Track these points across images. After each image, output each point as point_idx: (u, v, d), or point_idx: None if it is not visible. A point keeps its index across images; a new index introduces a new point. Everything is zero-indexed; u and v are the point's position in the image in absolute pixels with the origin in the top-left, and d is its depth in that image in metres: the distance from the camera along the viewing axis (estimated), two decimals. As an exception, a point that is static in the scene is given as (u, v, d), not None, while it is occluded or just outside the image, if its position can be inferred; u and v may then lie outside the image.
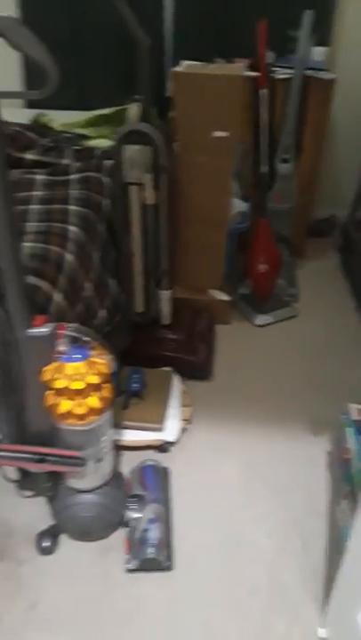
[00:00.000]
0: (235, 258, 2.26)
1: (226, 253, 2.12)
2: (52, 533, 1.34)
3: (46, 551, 1.32)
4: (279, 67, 2.21)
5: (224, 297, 2.17)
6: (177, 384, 1.77)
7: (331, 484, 1.55)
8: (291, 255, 2.50)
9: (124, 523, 1.35)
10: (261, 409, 1.80)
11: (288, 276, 2.43)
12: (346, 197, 2.71)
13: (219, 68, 2.06)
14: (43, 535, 1.33)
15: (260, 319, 2.23)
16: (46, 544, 1.32)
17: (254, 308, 2.26)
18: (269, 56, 2.13)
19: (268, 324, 2.23)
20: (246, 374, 1.96)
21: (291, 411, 1.79)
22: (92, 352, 1.17)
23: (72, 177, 1.80)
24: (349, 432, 1.48)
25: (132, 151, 1.55)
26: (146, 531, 1.32)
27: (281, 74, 2.18)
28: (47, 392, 1.15)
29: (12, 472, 1.34)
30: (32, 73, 2.49)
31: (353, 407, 1.54)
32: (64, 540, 1.36)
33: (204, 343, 1.96)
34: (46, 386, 1.13)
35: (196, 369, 1.88)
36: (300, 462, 1.61)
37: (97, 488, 1.29)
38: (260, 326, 2.22)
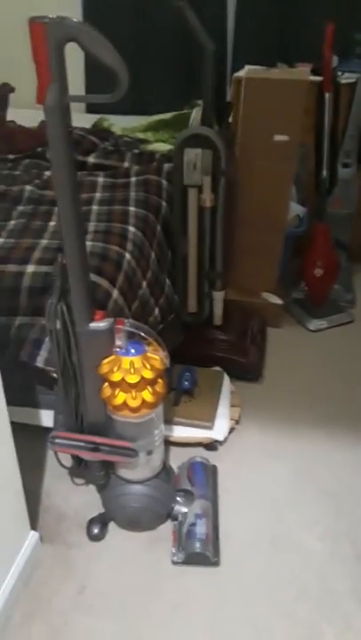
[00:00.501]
0: (290, 262, 2.25)
1: (281, 257, 2.11)
2: (102, 521, 1.39)
3: (96, 538, 1.37)
4: (344, 71, 2.19)
5: (277, 300, 2.16)
6: (227, 384, 1.79)
7: (383, 493, 1.52)
8: (349, 261, 2.46)
9: (172, 516, 1.38)
10: (313, 412, 1.78)
11: (345, 281, 2.39)
12: None
13: (283, 72, 2.07)
14: (93, 522, 1.38)
15: (314, 324, 2.20)
16: (96, 531, 1.37)
17: (308, 313, 2.24)
18: (334, 60, 2.12)
19: (323, 330, 2.20)
20: (297, 378, 1.94)
21: (343, 415, 1.77)
22: (148, 348, 1.21)
23: (132, 179, 1.86)
24: None
25: (192, 154, 1.58)
26: (193, 525, 1.34)
27: (345, 78, 2.16)
28: (104, 384, 1.19)
29: (67, 459, 1.40)
30: (92, 79, 2.56)
31: None
32: (113, 528, 1.40)
33: (255, 345, 1.96)
34: (103, 378, 1.18)
35: (247, 370, 1.89)
36: (353, 469, 1.58)
37: (147, 480, 1.32)
38: (313, 331, 2.19)
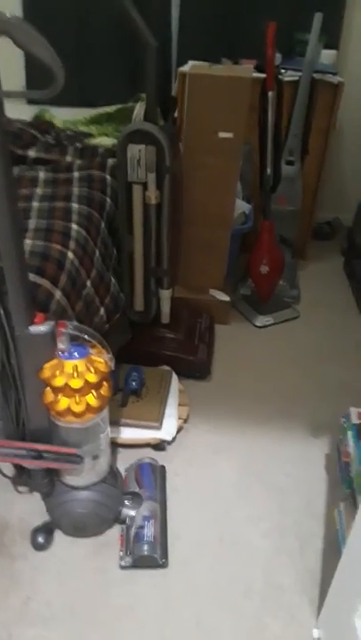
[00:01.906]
0: (237, 259, 2.26)
1: (228, 254, 2.12)
2: (47, 529, 1.35)
3: (41, 547, 1.33)
4: (286, 69, 2.21)
5: (224, 297, 2.17)
6: (175, 383, 1.78)
7: (329, 486, 1.55)
8: (293, 257, 2.51)
9: (119, 520, 1.36)
10: (260, 410, 1.80)
11: (290, 277, 2.43)
12: (350, 201, 2.71)
13: (227, 69, 2.07)
14: (37, 531, 1.34)
15: (261, 320, 2.23)
16: (41, 540, 1.33)
17: (255, 309, 2.26)
18: (277, 57, 2.13)
19: (269, 326, 2.23)
20: (245, 375, 1.96)
21: (290, 412, 1.80)
22: (92, 350, 1.18)
23: (75, 175, 1.80)
24: (349, 435, 1.48)
25: (135, 150, 1.55)
26: (141, 528, 1.33)
27: (288, 76, 2.18)
28: (46, 389, 1.15)
29: (9, 468, 1.35)
30: (33, 71, 2.48)
31: (353, 410, 1.54)
32: (59, 535, 1.37)
33: (204, 343, 1.96)
34: (45, 383, 1.14)
35: (195, 368, 1.89)
36: (299, 464, 1.62)
37: (93, 485, 1.30)
38: (260, 327, 2.22)
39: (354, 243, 2.53)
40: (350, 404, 1.55)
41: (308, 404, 1.84)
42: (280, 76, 2.12)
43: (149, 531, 1.33)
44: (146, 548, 1.30)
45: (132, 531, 1.33)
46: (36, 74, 2.47)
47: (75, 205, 1.62)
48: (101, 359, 1.18)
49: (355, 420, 1.51)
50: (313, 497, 1.52)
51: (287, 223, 2.37)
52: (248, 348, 2.11)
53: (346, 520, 1.34)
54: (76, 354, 1.15)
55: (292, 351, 2.10)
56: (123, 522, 1.36)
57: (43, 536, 1.33)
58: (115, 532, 1.37)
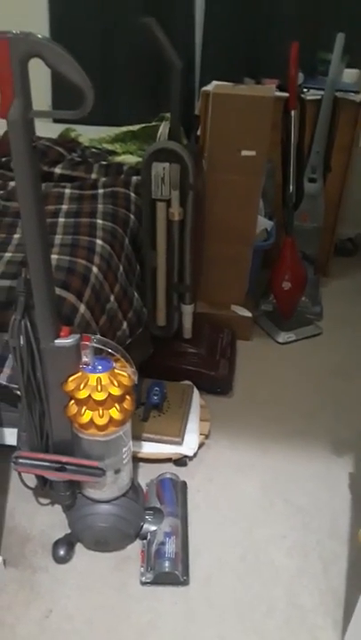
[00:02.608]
0: (259, 275, 2.27)
1: (250, 270, 2.13)
2: (68, 542, 1.35)
3: (62, 560, 1.33)
4: (309, 88, 2.23)
5: (246, 313, 2.17)
6: (196, 398, 1.78)
7: (353, 505, 1.52)
8: (315, 273, 2.50)
9: (140, 535, 1.35)
10: (281, 427, 1.79)
11: (312, 294, 2.42)
12: (373, 217, 2.70)
13: (250, 89, 2.09)
14: (58, 543, 1.35)
15: (283, 336, 2.22)
16: (62, 553, 1.33)
17: (277, 325, 2.26)
18: (299, 77, 2.16)
19: (291, 342, 2.22)
20: (267, 391, 1.95)
21: (312, 430, 1.78)
22: (115, 364, 1.19)
23: (100, 191, 1.84)
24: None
25: (159, 168, 1.58)
26: (162, 544, 1.32)
27: (311, 95, 2.20)
28: (70, 402, 1.17)
29: (31, 479, 1.36)
30: (59, 90, 2.54)
31: (375, 429, 1.52)
32: (80, 549, 1.37)
33: (225, 358, 1.96)
34: (69, 395, 1.15)
35: (216, 384, 1.89)
36: (322, 483, 1.59)
37: (114, 499, 1.30)
38: (282, 343, 2.21)
39: (377, 259, 2.51)
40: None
41: (330, 422, 1.81)
42: (303, 95, 2.14)
43: (171, 547, 1.32)
44: (167, 564, 1.29)
45: (154, 547, 1.32)
46: (62, 93, 2.53)
47: (99, 221, 1.65)
48: (125, 373, 1.19)
49: (379, 439, 1.49)
50: (336, 516, 1.49)
51: (309, 240, 2.37)
52: (270, 365, 2.10)
53: (370, 541, 1.32)
54: (100, 367, 1.16)
55: (315, 368, 2.09)
56: (144, 537, 1.36)
57: (64, 549, 1.33)
58: (136, 547, 1.36)
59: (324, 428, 1.79)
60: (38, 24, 2.49)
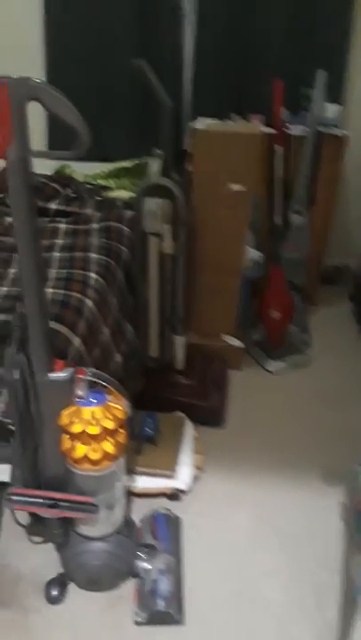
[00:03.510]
0: (248, 305, 2.29)
1: (239, 300, 2.15)
2: (61, 582, 1.32)
3: (55, 600, 1.30)
4: (293, 123, 2.31)
5: (237, 343, 2.19)
6: (189, 430, 1.77)
7: (344, 536, 1.52)
8: (303, 302, 2.53)
9: (134, 573, 1.33)
10: (274, 457, 1.78)
11: (300, 322, 2.45)
12: (357, 247, 2.76)
13: (236, 126, 2.16)
14: (51, 583, 1.31)
15: (273, 365, 2.24)
16: (55, 593, 1.30)
17: (267, 354, 2.27)
18: (284, 113, 2.24)
19: (281, 371, 2.23)
20: (259, 421, 1.95)
21: (304, 460, 1.78)
22: (109, 397, 1.19)
23: (94, 226, 1.86)
24: (363, 484, 1.46)
25: (152, 204, 1.61)
26: (156, 582, 1.30)
27: (295, 130, 2.28)
28: (63, 436, 1.16)
29: (23, 517, 1.33)
30: (54, 130, 2.59)
31: (367, 458, 1.53)
32: (73, 589, 1.33)
33: (217, 389, 1.97)
34: (63, 430, 1.15)
35: (209, 415, 1.89)
36: (314, 513, 1.59)
37: (108, 536, 1.28)
38: (272, 372, 2.22)
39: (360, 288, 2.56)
40: (365, 451, 1.54)
41: (322, 452, 1.82)
42: (287, 131, 2.22)
43: (165, 585, 1.30)
44: (161, 603, 1.27)
45: (148, 585, 1.30)
46: (57, 132, 2.58)
47: (94, 255, 1.67)
48: (118, 405, 1.19)
49: (370, 468, 1.49)
50: (329, 547, 1.48)
51: (296, 269, 2.40)
52: (261, 394, 2.11)
53: (365, 572, 1.31)
54: (94, 400, 1.16)
55: (305, 397, 2.10)
56: (137, 575, 1.33)
57: (57, 589, 1.30)
58: (129, 585, 1.34)
59: (314, 457, 1.79)
60: (34, 66, 2.55)
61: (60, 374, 1.13)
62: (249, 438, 1.86)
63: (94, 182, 2.35)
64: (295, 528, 1.53)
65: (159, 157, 1.77)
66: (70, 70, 2.56)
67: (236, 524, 1.54)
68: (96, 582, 1.31)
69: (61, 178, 2.28)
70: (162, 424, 1.73)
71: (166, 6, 2.43)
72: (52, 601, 1.30)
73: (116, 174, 2.39)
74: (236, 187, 1.88)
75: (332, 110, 2.45)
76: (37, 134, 2.54)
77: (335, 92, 2.49)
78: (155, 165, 1.83)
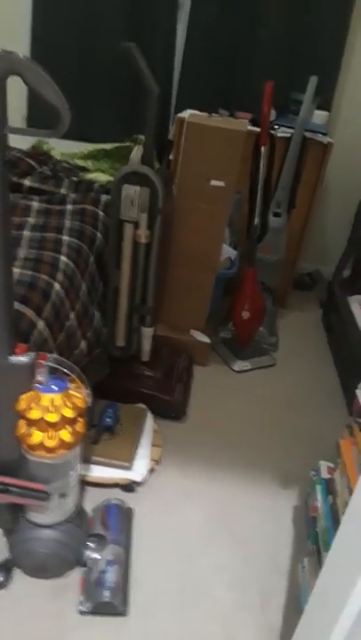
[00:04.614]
0: (219, 302, 2.29)
1: (211, 297, 2.15)
2: (7, 567, 1.30)
3: (-2, 585, 1.28)
4: (280, 125, 2.31)
5: (205, 339, 2.19)
6: (150, 423, 1.76)
7: (295, 540, 1.54)
8: (274, 305, 2.55)
9: (82, 562, 1.32)
10: (232, 456, 1.79)
11: (269, 324, 2.47)
12: (331, 254, 2.79)
13: (224, 121, 2.14)
14: (-4, 568, 1.29)
15: (239, 365, 2.25)
16: (0, 578, 1.28)
17: (234, 353, 2.28)
18: (272, 114, 2.23)
19: (246, 371, 2.25)
20: (220, 419, 1.96)
21: (261, 460, 1.79)
22: (70, 385, 1.17)
23: (68, 207, 1.83)
24: (318, 490, 1.48)
25: (130, 191, 1.58)
26: (103, 572, 1.29)
27: (281, 132, 2.28)
28: (20, 421, 1.13)
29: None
30: (35, 106, 2.53)
31: (323, 464, 1.54)
32: (19, 575, 1.31)
33: (181, 383, 1.96)
34: (20, 415, 1.12)
35: (171, 409, 1.88)
36: (266, 514, 1.60)
37: (58, 524, 1.26)
38: (237, 372, 2.23)
39: (333, 296, 2.60)
40: (321, 457, 1.55)
41: (279, 454, 1.84)
42: (273, 132, 2.22)
43: (112, 576, 1.29)
44: (107, 593, 1.26)
45: (94, 575, 1.29)
46: (37, 109, 2.52)
47: (65, 238, 1.63)
48: (79, 394, 1.17)
49: (324, 475, 1.51)
50: (278, 550, 1.50)
51: (270, 271, 2.42)
52: (224, 392, 2.11)
53: (309, 576, 1.33)
54: (54, 387, 1.14)
55: (268, 398, 2.12)
56: (85, 565, 1.32)
57: (2, 574, 1.28)
58: (76, 574, 1.32)
59: (272, 459, 1.81)
60: (19, 42, 2.48)
61: (20, 358, 1.10)
62: (208, 435, 1.87)
63: (72, 162, 2.30)
64: (247, 528, 1.55)
65: (141, 144, 1.74)
66: (57, 46, 2.50)
67: (188, 520, 1.55)
68: (42, 570, 1.29)
69: (38, 154, 2.22)
70: (122, 415, 1.72)
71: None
72: (-4, 586, 1.28)
73: (95, 156, 2.35)
74: (217, 182, 1.87)
75: (320, 117, 2.47)
76: (15, 109, 2.47)
77: (324, 99, 2.50)
78: (137, 152, 1.80)
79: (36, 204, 1.82)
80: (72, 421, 1.14)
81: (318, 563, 1.31)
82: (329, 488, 1.45)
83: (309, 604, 1.04)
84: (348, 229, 2.61)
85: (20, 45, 2.48)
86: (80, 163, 2.31)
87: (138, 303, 1.79)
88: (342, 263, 2.66)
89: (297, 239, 2.54)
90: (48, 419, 1.10)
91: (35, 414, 1.10)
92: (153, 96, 1.56)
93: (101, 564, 1.30)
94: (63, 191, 1.95)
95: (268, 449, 1.85)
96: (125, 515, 1.47)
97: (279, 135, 2.27)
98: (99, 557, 1.31)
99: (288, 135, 2.26)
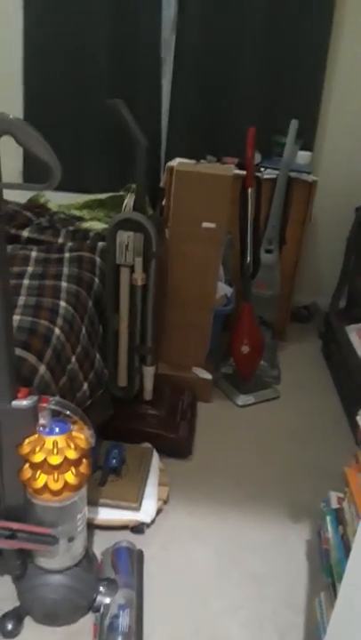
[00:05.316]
0: (219, 338, 2.33)
1: (211, 334, 2.19)
2: (17, 615, 1.28)
3: (9, 635, 1.26)
4: (265, 167, 2.41)
5: (207, 375, 2.21)
6: (156, 462, 1.77)
7: (309, 574, 1.51)
8: (273, 338, 2.59)
9: (93, 607, 1.30)
10: (240, 492, 1.78)
11: (270, 357, 2.49)
12: (326, 286, 2.85)
13: (210, 167, 2.25)
14: (6, 617, 1.27)
15: (242, 399, 2.26)
16: (10, 627, 1.26)
17: (237, 388, 2.30)
18: (256, 157, 2.34)
19: (250, 405, 2.26)
20: (226, 455, 1.96)
21: (270, 495, 1.78)
22: (73, 426, 1.19)
23: (66, 255, 1.89)
24: (328, 520, 1.46)
25: (124, 237, 1.65)
26: (116, 617, 1.27)
27: (267, 174, 2.38)
28: (24, 465, 1.15)
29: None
30: (31, 161, 2.65)
31: (333, 495, 1.53)
32: (29, 623, 1.29)
33: (185, 421, 1.97)
34: (24, 459, 1.14)
35: (176, 447, 1.89)
36: (279, 550, 1.58)
37: (67, 569, 1.25)
38: (241, 406, 2.24)
39: (330, 326, 2.63)
40: (330, 488, 1.54)
41: (287, 487, 1.83)
42: (259, 174, 2.31)
43: (124, 620, 1.27)
44: (120, 639, 1.24)
45: (107, 620, 1.27)
46: (33, 163, 2.64)
47: (64, 284, 1.69)
48: (82, 435, 1.19)
49: (334, 505, 1.50)
50: (293, 585, 1.48)
51: (267, 306, 2.47)
52: (229, 427, 2.12)
53: (326, 610, 1.30)
54: (57, 429, 1.16)
55: (273, 432, 2.12)
56: (97, 610, 1.30)
57: (12, 622, 1.26)
58: (88, 620, 1.30)
59: (280, 493, 1.80)
60: (13, 99, 2.62)
61: (22, 402, 1.13)
62: (215, 472, 1.86)
63: (68, 212, 2.39)
64: (259, 564, 1.53)
65: (134, 192, 1.82)
66: (50, 103, 2.64)
67: (198, 559, 1.53)
68: (53, 617, 1.28)
69: (35, 206, 2.32)
70: (128, 455, 1.73)
71: (145, 50, 2.56)
72: (7, 635, 1.25)
73: (90, 205, 2.44)
74: (208, 224, 1.94)
75: (303, 157, 2.58)
76: (12, 163, 2.59)
77: (306, 140, 2.62)
78: (129, 200, 1.88)
79: (34, 254, 1.89)
80: (76, 463, 1.16)
81: (334, 596, 1.29)
82: (339, 518, 1.43)
83: (327, 638, 1.02)
84: (340, 261, 2.68)
85: (14, 104, 2.62)
86: (76, 212, 2.41)
87: (138, 344, 1.83)
88: (337, 294, 2.71)
89: (291, 274, 2.60)
90: (52, 461, 1.12)
91: (38, 457, 1.12)
92: (141, 147, 1.65)
93: (113, 609, 1.28)
94: (61, 240, 2.03)
95: (275, 482, 1.84)
96: (135, 557, 1.46)
97: (266, 176, 2.36)
98: (110, 602, 1.30)
99: (274, 176, 2.36)
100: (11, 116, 0.93)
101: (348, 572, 1.01)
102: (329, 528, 1.45)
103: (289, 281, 2.60)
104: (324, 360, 2.65)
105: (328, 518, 1.48)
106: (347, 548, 1.30)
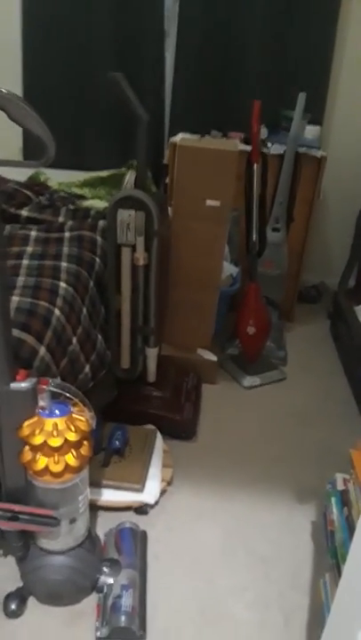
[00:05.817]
0: (224, 319, 2.30)
1: (216, 314, 2.16)
2: (20, 596, 1.28)
3: (13, 614, 1.26)
4: (272, 142, 2.35)
5: (212, 357, 2.19)
6: (159, 443, 1.75)
7: (315, 555, 1.51)
8: (280, 319, 2.55)
9: (96, 588, 1.30)
10: (245, 473, 1.77)
11: (277, 339, 2.46)
12: (335, 266, 2.79)
13: (215, 142, 2.19)
14: (10, 597, 1.28)
15: (248, 381, 2.24)
16: (13, 607, 1.26)
17: (243, 370, 2.27)
18: (263, 131, 2.27)
19: (256, 387, 2.23)
20: (231, 436, 1.94)
21: (276, 476, 1.77)
22: (73, 408, 1.17)
23: (66, 235, 1.86)
24: (334, 502, 1.45)
25: (125, 215, 1.61)
26: (119, 597, 1.27)
27: (274, 149, 2.31)
28: (24, 447, 1.14)
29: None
30: (31, 137, 2.60)
31: (339, 476, 1.51)
32: (33, 603, 1.30)
33: (190, 402, 1.96)
34: (24, 441, 1.13)
35: (180, 428, 1.87)
36: (284, 531, 1.57)
37: (69, 550, 1.25)
38: (247, 388, 2.22)
39: (339, 307, 2.59)
40: (336, 470, 1.52)
41: (293, 469, 1.81)
42: (265, 150, 2.25)
43: (127, 600, 1.27)
44: (123, 619, 1.24)
45: (110, 600, 1.27)
46: (32, 140, 2.60)
47: (64, 264, 1.66)
48: (82, 417, 1.17)
49: (340, 487, 1.48)
50: (298, 566, 1.47)
51: (274, 286, 2.43)
52: (235, 409, 2.10)
53: (331, 592, 1.29)
54: (56, 411, 1.14)
55: (279, 413, 2.10)
56: (100, 590, 1.30)
57: (15, 603, 1.27)
58: (91, 600, 1.31)
59: (286, 474, 1.78)
60: (12, 75, 2.56)
61: (20, 384, 1.11)
62: (220, 453, 1.85)
63: (69, 190, 2.35)
64: (264, 545, 1.52)
65: (135, 169, 1.78)
66: (49, 79, 2.57)
67: (203, 540, 1.52)
68: (57, 597, 1.28)
69: (35, 185, 2.28)
70: (132, 436, 1.72)
71: (147, 23, 2.48)
72: (10, 615, 1.26)
73: (91, 183, 2.40)
74: (212, 202, 1.90)
75: (311, 131, 2.51)
76: (12, 140, 2.54)
77: (315, 114, 2.54)
78: (130, 177, 1.84)
79: (34, 234, 1.86)
80: (77, 445, 1.14)
81: (339, 577, 1.28)
82: (344, 500, 1.42)
83: (330, 619, 1.01)
84: (350, 240, 2.62)
85: (12, 77, 2.55)
86: (77, 191, 2.36)
87: (140, 324, 1.81)
88: (346, 274, 2.66)
89: (299, 253, 2.55)
90: (52, 443, 1.10)
91: (38, 439, 1.10)
92: (142, 122, 1.60)
93: (116, 589, 1.28)
94: (61, 219, 1.99)
95: (281, 464, 1.83)
96: (139, 538, 1.45)
97: (272, 152, 2.30)
98: (113, 582, 1.30)
99: (281, 152, 2.30)
100: (4, 91, 0.90)
101: (352, 553, 1.00)
102: (334, 509, 1.43)
103: (297, 260, 2.55)
104: (333, 341, 2.62)
105: (333, 500, 1.46)
106: (351, 530, 1.28)
